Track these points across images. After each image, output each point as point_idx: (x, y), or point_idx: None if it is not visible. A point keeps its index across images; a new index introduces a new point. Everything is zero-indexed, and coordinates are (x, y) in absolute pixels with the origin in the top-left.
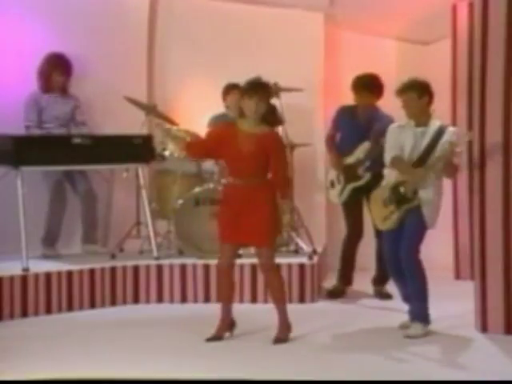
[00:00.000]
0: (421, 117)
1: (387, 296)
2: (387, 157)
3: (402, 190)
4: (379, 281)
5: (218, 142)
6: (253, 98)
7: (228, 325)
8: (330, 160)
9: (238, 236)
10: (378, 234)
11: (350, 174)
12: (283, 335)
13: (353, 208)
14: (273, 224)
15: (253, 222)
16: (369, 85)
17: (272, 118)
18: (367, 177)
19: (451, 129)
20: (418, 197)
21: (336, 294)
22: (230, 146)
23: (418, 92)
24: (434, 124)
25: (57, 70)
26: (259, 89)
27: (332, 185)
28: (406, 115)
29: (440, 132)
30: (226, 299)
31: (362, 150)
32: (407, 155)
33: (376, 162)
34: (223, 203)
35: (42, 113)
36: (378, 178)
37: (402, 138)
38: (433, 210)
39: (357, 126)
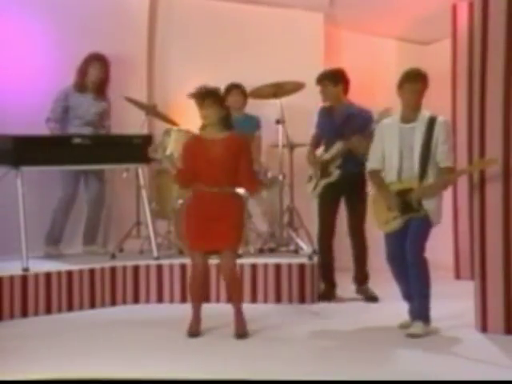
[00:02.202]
0: (413, 109)
1: (372, 298)
2: (368, 163)
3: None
4: (360, 280)
5: (193, 159)
6: (203, 106)
7: (198, 325)
8: (306, 156)
9: (208, 243)
10: (353, 231)
11: (323, 170)
12: (244, 330)
13: (324, 205)
14: (239, 230)
15: (221, 228)
16: (329, 77)
17: (229, 121)
18: (336, 174)
19: (441, 119)
20: (423, 208)
21: (326, 297)
22: (199, 156)
23: (424, 83)
24: (423, 117)
25: (92, 65)
26: (206, 96)
27: (309, 180)
28: (405, 105)
29: (431, 125)
30: (200, 299)
31: (335, 148)
32: (397, 159)
33: (347, 161)
34: (191, 211)
35: (68, 110)
36: (348, 177)
37: (385, 140)
38: (436, 207)
39: (333, 124)
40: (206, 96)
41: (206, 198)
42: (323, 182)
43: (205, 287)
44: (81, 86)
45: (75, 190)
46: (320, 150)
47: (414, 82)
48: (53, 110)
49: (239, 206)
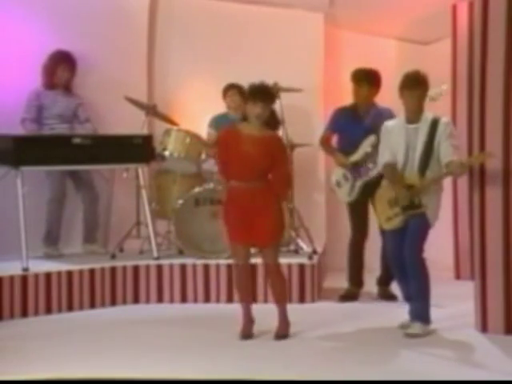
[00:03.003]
0: (417, 112)
1: (391, 297)
2: (380, 159)
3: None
4: (384, 281)
5: (227, 151)
6: (258, 104)
7: (251, 322)
8: (334, 160)
9: (249, 237)
10: (383, 232)
11: (357, 170)
12: (285, 331)
13: (358, 207)
14: (278, 225)
15: (260, 224)
16: (369, 77)
17: (273, 121)
18: (377, 170)
19: (444, 120)
20: (424, 204)
21: (349, 297)
22: (234, 150)
23: (425, 88)
24: (426, 118)
25: (61, 66)
26: (264, 95)
27: (338, 185)
28: (408, 110)
29: (434, 125)
30: (248, 298)
31: (368, 144)
32: (402, 156)
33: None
34: (228, 205)
35: (43, 109)
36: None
37: (392, 139)
38: (434, 207)
39: (360, 124)
40: (263, 95)
41: (240, 192)
42: (361, 182)
43: (251, 284)
44: (50, 85)
45: (62, 189)
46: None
47: (413, 88)
48: (27, 110)
49: (274, 200)
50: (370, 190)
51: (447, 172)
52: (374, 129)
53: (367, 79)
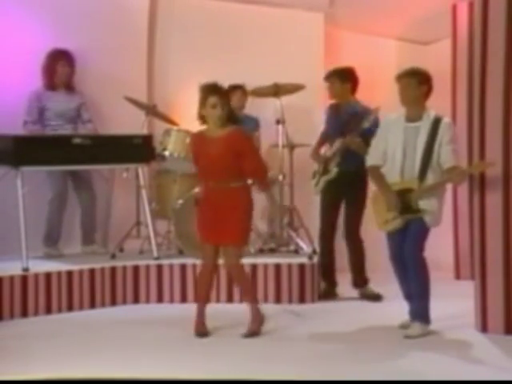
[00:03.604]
0: (414, 107)
1: (376, 297)
2: (368, 158)
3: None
4: (360, 284)
5: (197, 156)
6: (217, 105)
7: (203, 323)
8: (310, 153)
9: (217, 237)
10: (348, 235)
11: (325, 167)
12: (255, 329)
13: (324, 203)
14: (244, 227)
15: (227, 223)
16: (340, 74)
17: (232, 116)
18: (334, 172)
19: (446, 120)
20: (423, 209)
21: (326, 296)
22: (203, 153)
23: (418, 79)
24: (429, 117)
25: (60, 62)
26: (221, 94)
27: (314, 175)
28: (401, 102)
29: (436, 126)
30: (204, 299)
31: (335, 146)
32: (400, 157)
33: (346, 160)
34: (201, 205)
35: (45, 111)
36: (347, 176)
37: (389, 137)
38: (436, 211)
39: (338, 121)
40: (222, 93)
41: (210, 193)
42: (323, 179)
43: (211, 286)
44: (51, 85)
45: (64, 189)
46: (325, 147)
47: (400, 78)
48: (29, 112)
49: (244, 200)
50: (337, 188)
51: (446, 179)
52: (347, 127)
53: (338, 76)
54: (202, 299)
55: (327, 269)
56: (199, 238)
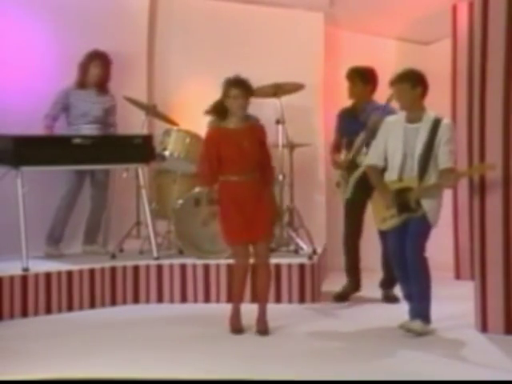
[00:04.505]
0: (413, 109)
1: (394, 299)
2: (367, 158)
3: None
4: (387, 284)
5: (218, 152)
6: (239, 96)
7: (240, 321)
8: (331, 163)
9: (249, 235)
10: (382, 234)
11: (350, 169)
12: (267, 327)
13: (351, 204)
14: (271, 219)
15: (257, 219)
16: (363, 75)
17: (222, 109)
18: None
19: (446, 121)
20: (421, 208)
21: (342, 297)
22: (228, 144)
23: (410, 82)
24: (428, 118)
25: (94, 62)
26: (243, 86)
27: (338, 185)
28: (399, 107)
29: (435, 126)
30: (240, 298)
31: (359, 140)
32: (400, 157)
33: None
34: (224, 205)
35: (70, 108)
36: None
37: (390, 138)
38: (434, 209)
39: (358, 123)
40: (243, 86)
41: (238, 187)
42: (353, 178)
43: (246, 284)
44: (82, 84)
45: (78, 188)
46: (342, 155)
47: (396, 83)
48: (52, 107)
49: (268, 191)
50: (363, 188)
51: (439, 183)
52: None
53: (360, 77)
54: (239, 299)
55: (353, 271)
56: (228, 242)
